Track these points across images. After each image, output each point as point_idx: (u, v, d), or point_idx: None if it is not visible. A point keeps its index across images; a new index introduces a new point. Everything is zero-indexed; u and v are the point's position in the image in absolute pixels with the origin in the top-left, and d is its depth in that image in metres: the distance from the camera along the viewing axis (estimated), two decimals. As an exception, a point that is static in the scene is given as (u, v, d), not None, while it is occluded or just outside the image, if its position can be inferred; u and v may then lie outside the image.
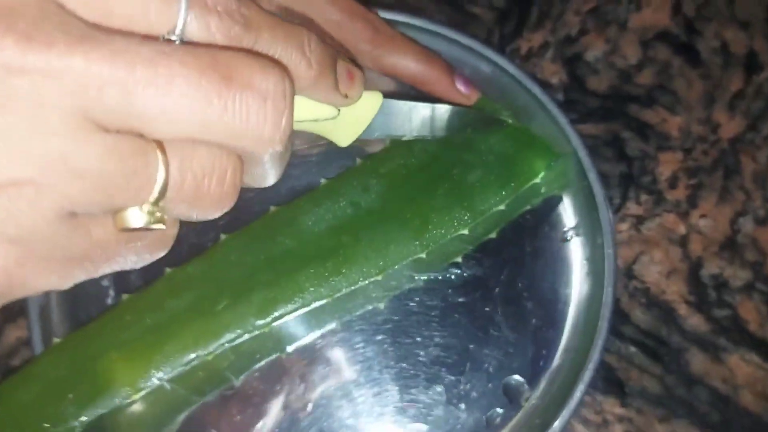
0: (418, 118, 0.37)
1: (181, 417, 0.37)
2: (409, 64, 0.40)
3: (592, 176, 0.41)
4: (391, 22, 0.44)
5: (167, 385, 0.37)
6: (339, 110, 0.29)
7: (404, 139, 0.37)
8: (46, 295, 0.38)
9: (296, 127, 0.29)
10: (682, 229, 0.44)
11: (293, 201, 0.40)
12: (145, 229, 0.20)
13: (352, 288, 0.37)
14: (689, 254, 0.43)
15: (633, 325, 0.42)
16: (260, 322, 0.36)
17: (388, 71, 0.40)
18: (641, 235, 0.43)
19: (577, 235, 0.41)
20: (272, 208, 0.39)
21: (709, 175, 0.45)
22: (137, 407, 0.36)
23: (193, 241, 0.39)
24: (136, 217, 0.20)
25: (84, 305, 0.39)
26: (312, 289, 0.36)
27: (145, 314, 0.35)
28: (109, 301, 0.39)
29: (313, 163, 0.41)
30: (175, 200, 0.21)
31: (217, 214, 0.23)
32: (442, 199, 0.39)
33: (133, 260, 0.23)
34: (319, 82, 0.26)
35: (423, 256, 0.38)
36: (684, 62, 0.47)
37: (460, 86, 0.41)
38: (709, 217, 0.44)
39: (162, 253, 0.24)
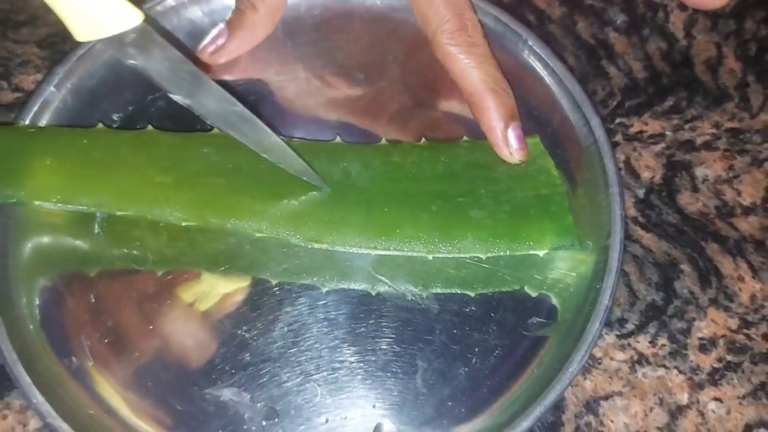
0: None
1: (96, 270, 0.36)
2: (471, 78, 0.36)
3: (610, 281, 0.35)
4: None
5: (97, 228, 0.36)
6: None
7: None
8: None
9: None
10: (683, 399, 0.35)
11: (296, 139, 0.37)
12: None
13: (281, 239, 0.34)
14: (675, 430, 0.35)
15: (566, 463, 0.35)
16: (178, 214, 0.33)
17: (450, 71, 0.36)
18: (632, 377, 0.36)
19: (543, 333, 0.35)
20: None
21: (754, 364, 0.36)
22: (66, 239, 0.36)
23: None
24: None
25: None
26: (248, 218, 0.34)
27: (99, 146, 0.35)
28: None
29: (345, 131, 0.38)
30: None
31: None
32: (428, 215, 0.35)
33: None
34: None
35: (370, 253, 0.35)
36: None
37: (512, 137, 0.36)
38: (724, 405, 0.35)
39: None
